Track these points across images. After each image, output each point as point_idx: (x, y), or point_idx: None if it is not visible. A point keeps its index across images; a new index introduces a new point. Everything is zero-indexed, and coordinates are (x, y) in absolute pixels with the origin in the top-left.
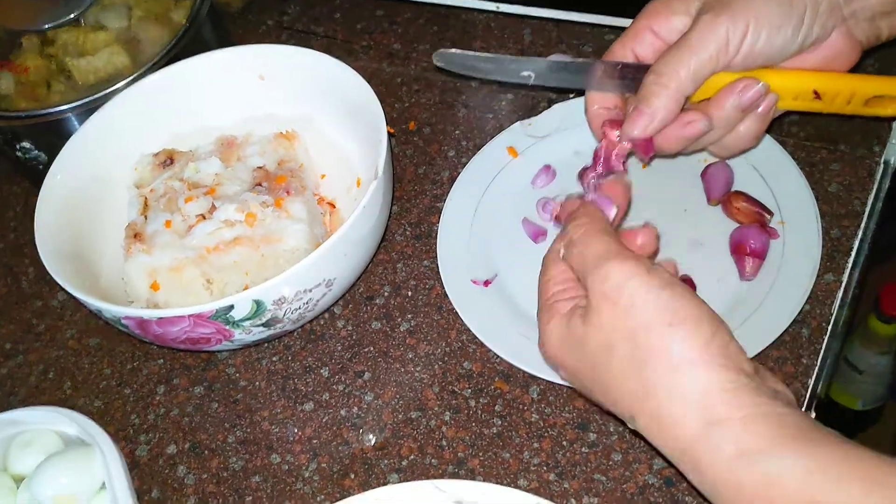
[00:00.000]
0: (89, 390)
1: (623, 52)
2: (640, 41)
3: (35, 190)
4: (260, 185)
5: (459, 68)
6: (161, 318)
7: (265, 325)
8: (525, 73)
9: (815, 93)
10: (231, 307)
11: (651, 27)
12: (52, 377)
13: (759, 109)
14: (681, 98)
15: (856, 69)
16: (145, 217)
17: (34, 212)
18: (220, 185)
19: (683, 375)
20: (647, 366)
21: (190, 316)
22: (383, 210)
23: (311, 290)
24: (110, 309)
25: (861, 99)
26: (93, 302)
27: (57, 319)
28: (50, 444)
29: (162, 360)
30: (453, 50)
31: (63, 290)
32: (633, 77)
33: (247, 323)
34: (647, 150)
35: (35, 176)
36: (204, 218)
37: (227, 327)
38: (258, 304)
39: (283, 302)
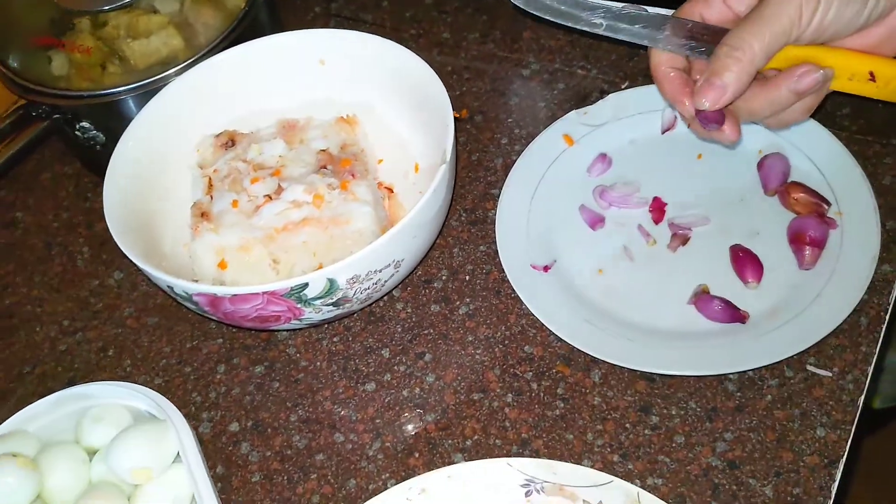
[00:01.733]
0: (149, 368)
1: (691, 13)
2: (709, 6)
3: (86, 172)
4: (325, 167)
5: (535, 7)
6: (235, 294)
7: (335, 304)
8: (597, 21)
9: (871, 75)
10: (306, 285)
11: None
12: (111, 354)
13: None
14: (753, 72)
15: None
16: (211, 197)
17: (86, 194)
18: (285, 167)
19: None
20: None
21: (264, 293)
22: (448, 193)
23: (381, 271)
24: (182, 285)
25: None
26: (164, 278)
27: (114, 298)
28: (121, 419)
29: (221, 340)
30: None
31: (120, 269)
32: (700, 38)
33: (318, 301)
34: (717, 121)
35: (91, 156)
36: (271, 199)
37: (299, 305)
38: (332, 282)
39: (355, 281)
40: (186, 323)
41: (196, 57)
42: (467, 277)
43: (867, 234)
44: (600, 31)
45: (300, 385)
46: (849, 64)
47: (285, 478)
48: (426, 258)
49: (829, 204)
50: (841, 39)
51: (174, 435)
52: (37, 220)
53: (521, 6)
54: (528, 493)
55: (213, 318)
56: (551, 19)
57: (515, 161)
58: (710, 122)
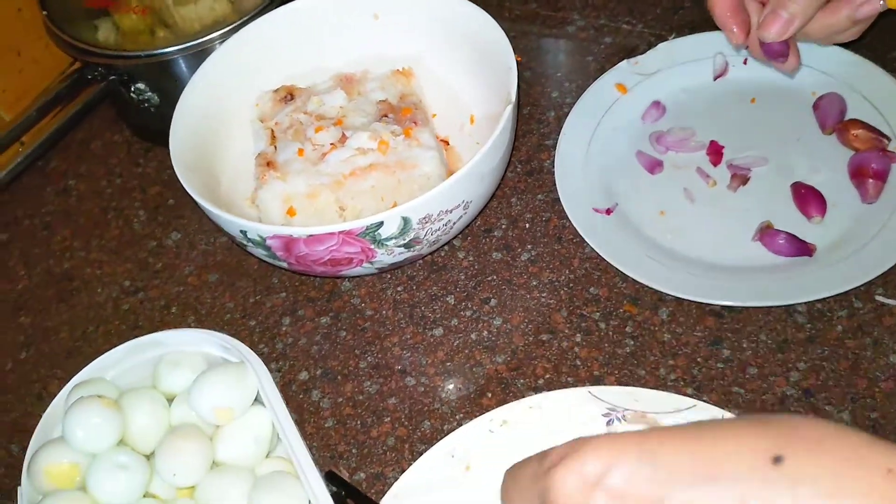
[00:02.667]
0: (214, 323)
1: None
2: None
3: (136, 139)
4: (386, 116)
5: None
6: (311, 235)
7: (406, 245)
8: None
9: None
10: (380, 224)
11: None
12: (175, 311)
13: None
14: (819, 3)
15: None
16: (275, 147)
17: (138, 160)
18: (346, 117)
19: None
20: None
21: (340, 233)
22: (512, 135)
23: (451, 211)
24: (257, 228)
25: None
26: (238, 222)
27: (173, 258)
28: (197, 364)
29: (284, 294)
30: None
31: (177, 230)
32: None
33: (391, 242)
34: (783, 54)
35: (145, 119)
36: (336, 147)
37: (373, 246)
38: (406, 221)
39: (427, 221)
40: (248, 278)
41: (247, 17)
42: (527, 225)
43: None
44: None
45: (367, 333)
46: None
47: (358, 422)
48: (485, 208)
49: (888, 139)
50: None
51: (253, 376)
52: (91, 186)
53: None
54: (609, 422)
55: (284, 264)
56: None
57: (568, 113)
58: (776, 55)
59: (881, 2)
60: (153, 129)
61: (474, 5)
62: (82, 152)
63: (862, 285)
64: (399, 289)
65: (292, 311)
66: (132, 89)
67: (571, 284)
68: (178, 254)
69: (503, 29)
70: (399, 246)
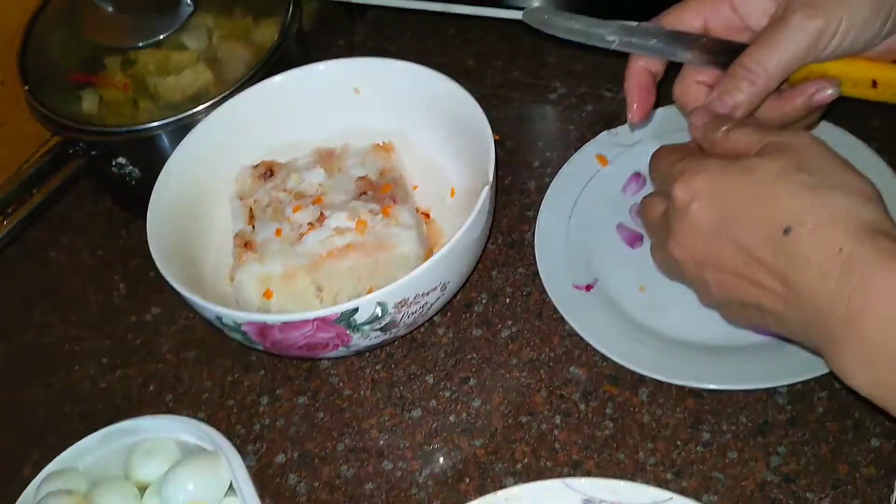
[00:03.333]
0: (191, 402)
1: (694, 18)
2: (715, 11)
3: (119, 210)
4: (365, 193)
5: (545, 27)
6: (286, 322)
7: (382, 329)
8: (610, 38)
9: (874, 82)
10: (356, 310)
11: (731, 0)
12: (152, 390)
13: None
14: (765, 94)
15: None
16: (253, 226)
17: (120, 231)
18: (325, 195)
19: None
20: (819, 190)
21: (314, 320)
22: (490, 214)
23: (428, 294)
24: (232, 315)
25: None
26: (213, 308)
27: (152, 334)
28: (171, 453)
29: (263, 372)
30: (539, 5)
31: (157, 305)
32: (716, 53)
33: (367, 327)
34: None
35: (126, 192)
36: (314, 226)
37: (348, 331)
38: (381, 306)
39: (403, 305)
40: (227, 356)
41: (229, 91)
42: (508, 300)
43: None
44: (613, 48)
45: (345, 414)
46: (853, 72)
47: None
48: (466, 283)
49: None
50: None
51: (226, 466)
52: (71, 259)
53: (534, 26)
54: None
55: (260, 348)
56: (564, 38)
57: (550, 183)
58: None
59: (830, 90)
60: (135, 200)
61: (454, 82)
62: (63, 223)
63: None
64: (378, 367)
65: (270, 391)
66: (113, 163)
67: (552, 363)
68: (158, 330)
69: (486, 95)
70: (375, 330)
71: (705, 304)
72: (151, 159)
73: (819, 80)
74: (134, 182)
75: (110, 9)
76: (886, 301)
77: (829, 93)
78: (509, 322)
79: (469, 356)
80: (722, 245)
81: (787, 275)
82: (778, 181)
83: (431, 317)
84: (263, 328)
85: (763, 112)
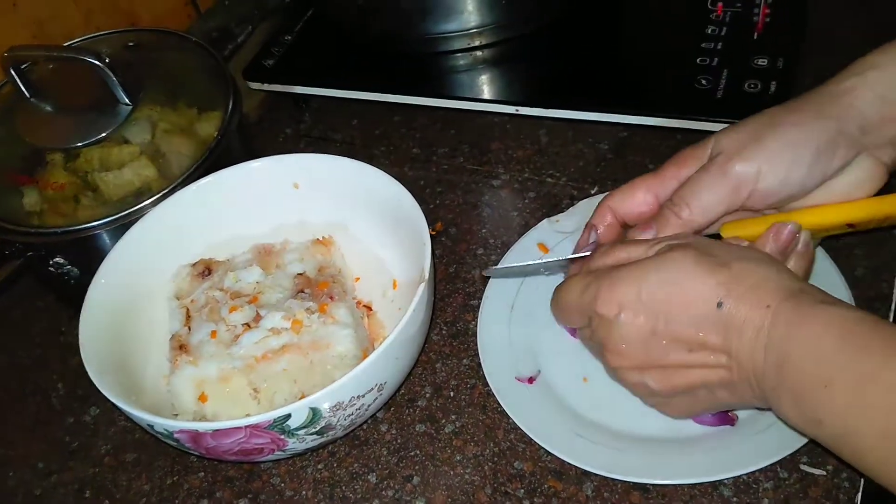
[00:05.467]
0: None
1: (645, 195)
2: (664, 187)
3: (61, 305)
4: (302, 291)
5: (505, 275)
6: (217, 430)
7: (318, 432)
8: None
9: (849, 225)
10: (288, 416)
11: (678, 176)
12: (88, 496)
13: (798, 248)
14: (689, 228)
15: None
16: (189, 328)
17: (60, 328)
18: (262, 294)
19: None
20: (732, 264)
21: (247, 427)
22: (428, 311)
23: (363, 396)
24: (163, 423)
25: None
26: (144, 416)
27: (91, 436)
28: None
29: (203, 473)
30: (497, 266)
31: (96, 405)
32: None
33: (302, 431)
34: None
35: (65, 290)
36: (249, 327)
37: (283, 437)
38: (314, 411)
39: (338, 408)
40: (166, 457)
41: (171, 186)
42: (452, 393)
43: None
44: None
45: None
46: (824, 220)
47: None
48: (409, 376)
49: None
50: (806, 197)
51: None
52: (9, 358)
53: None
54: None
55: (196, 453)
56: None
57: None
58: None
59: (790, 224)
60: (76, 297)
61: (391, 178)
62: (2, 321)
63: (786, 455)
64: (319, 466)
65: (210, 494)
66: (50, 263)
67: (496, 458)
68: (96, 431)
69: (430, 182)
70: (311, 434)
71: (648, 405)
72: (91, 258)
73: (778, 223)
74: (73, 281)
75: (49, 109)
76: (806, 347)
77: (788, 230)
78: (453, 416)
79: (412, 453)
80: (661, 342)
81: (730, 345)
82: (694, 266)
83: (373, 415)
84: (196, 436)
85: None
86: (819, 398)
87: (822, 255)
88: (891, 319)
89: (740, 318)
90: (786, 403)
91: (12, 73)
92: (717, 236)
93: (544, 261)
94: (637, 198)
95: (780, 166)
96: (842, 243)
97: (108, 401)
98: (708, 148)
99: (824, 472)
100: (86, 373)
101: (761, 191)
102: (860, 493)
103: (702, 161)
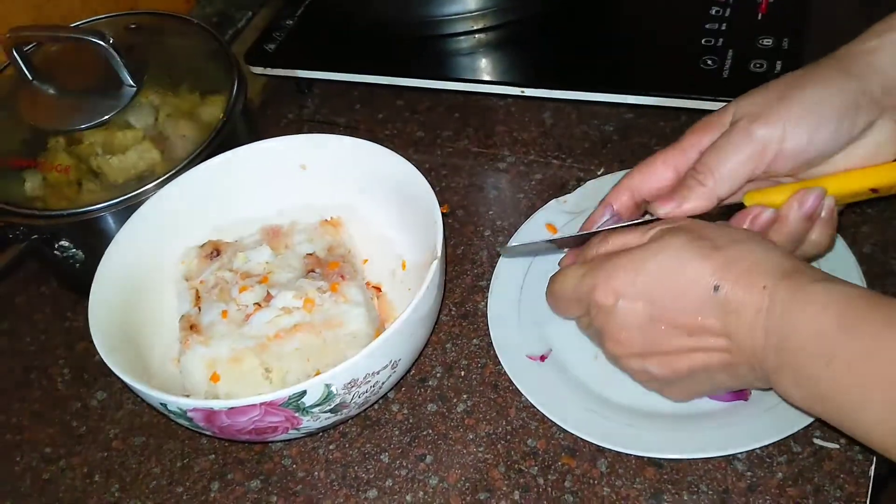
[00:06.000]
0: (139, 491)
1: (665, 169)
2: (684, 158)
3: (65, 291)
4: (313, 271)
5: (522, 254)
6: (232, 408)
7: (333, 410)
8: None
9: (872, 190)
10: (303, 393)
11: (699, 145)
12: (97, 480)
13: (823, 214)
14: (713, 196)
15: None
16: (199, 308)
17: (65, 313)
18: (272, 274)
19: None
20: (726, 248)
21: (262, 404)
22: (440, 289)
23: (378, 373)
24: (176, 401)
25: None
26: (157, 395)
27: (98, 420)
28: None
29: (213, 456)
30: (515, 244)
31: (103, 389)
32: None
33: (316, 409)
34: None
35: (70, 275)
36: (260, 306)
37: (297, 414)
38: (329, 388)
39: (352, 385)
40: (175, 440)
41: (175, 170)
42: (462, 373)
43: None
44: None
45: (299, 497)
46: (848, 184)
47: None
48: (420, 356)
49: None
50: (829, 161)
51: None
52: (13, 344)
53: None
54: None
55: (208, 433)
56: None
57: (501, 253)
58: None
59: (816, 190)
60: (81, 282)
61: (400, 157)
62: (5, 307)
63: (799, 429)
64: (331, 447)
65: (221, 475)
66: (55, 247)
67: (509, 437)
68: (104, 416)
69: (436, 166)
70: (325, 412)
71: (650, 389)
72: (96, 241)
73: (803, 189)
74: (78, 265)
75: (51, 91)
76: (806, 326)
77: (814, 195)
78: (465, 396)
79: (425, 432)
80: (660, 328)
81: (729, 327)
82: (688, 251)
83: (385, 394)
84: (210, 414)
85: (772, 237)
86: (821, 376)
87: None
88: None
89: (737, 301)
90: (788, 383)
91: (14, 54)
92: (739, 206)
93: (560, 237)
94: (657, 172)
95: (805, 127)
96: (849, 221)
97: (116, 385)
98: (729, 114)
99: (837, 446)
100: (92, 357)
101: (786, 152)
102: (873, 466)
103: (723, 128)
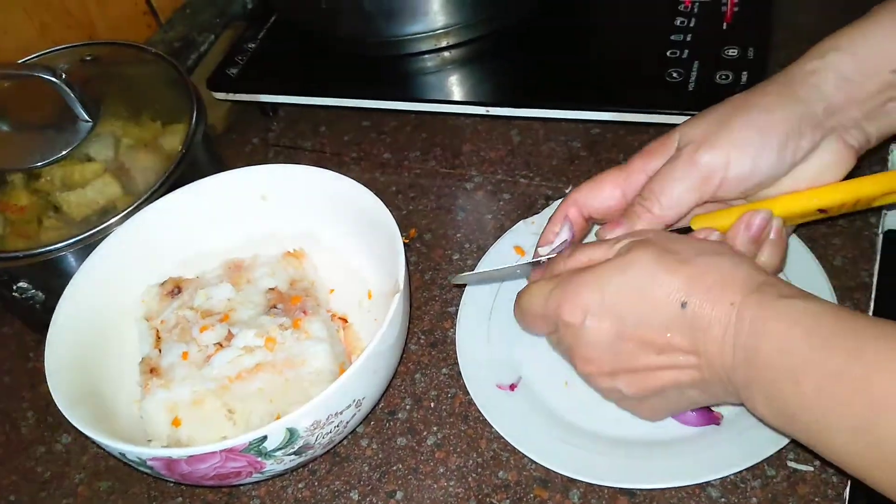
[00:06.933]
0: None
1: (612, 190)
2: (631, 181)
3: (28, 330)
4: (275, 307)
5: (474, 282)
6: (191, 455)
7: (297, 452)
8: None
9: (820, 210)
10: (264, 438)
11: (645, 169)
12: None
13: (771, 236)
14: (660, 223)
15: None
16: (159, 350)
17: (28, 353)
18: (234, 311)
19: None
20: (692, 261)
21: (222, 451)
22: (405, 322)
23: (342, 413)
24: (134, 451)
25: (866, 201)
26: (115, 445)
27: (63, 465)
28: None
29: (180, 499)
30: (465, 273)
31: (67, 432)
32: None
33: (279, 452)
34: None
35: (31, 315)
36: (221, 346)
37: (260, 459)
38: (292, 432)
39: (316, 427)
40: (142, 484)
41: (136, 203)
42: (432, 404)
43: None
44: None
45: None
46: (795, 207)
47: None
48: (388, 388)
49: None
50: (776, 184)
51: None
52: None
53: (462, 284)
54: None
55: (171, 480)
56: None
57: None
58: None
59: (762, 212)
60: (43, 322)
61: (363, 188)
62: None
63: (773, 453)
64: (300, 486)
65: None
66: (13, 289)
67: (480, 469)
68: (68, 460)
69: (403, 187)
70: (289, 455)
71: (622, 408)
72: (55, 281)
73: (750, 211)
74: (38, 305)
75: (6, 128)
76: (773, 343)
77: (760, 217)
78: (435, 428)
79: (395, 467)
80: (628, 346)
81: (697, 344)
82: (654, 266)
83: (352, 431)
84: (170, 463)
85: None
86: (789, 394)
87: (800, 247)
88: (871, 308)
89: (705, 318)
90: (758, 400)
91: None
92: (688, 230)
93: (512, 265)
94: (604, 192)
95: (749, 152)
96: (819, 233)
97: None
98: (675, 139)
99: (812, 468)
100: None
101: (731, 179)
102: (848, 489)
103: (669, 153)
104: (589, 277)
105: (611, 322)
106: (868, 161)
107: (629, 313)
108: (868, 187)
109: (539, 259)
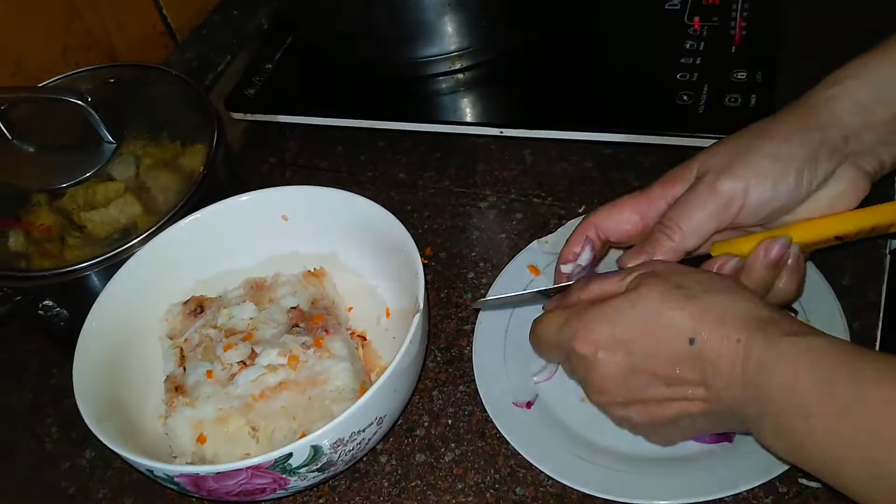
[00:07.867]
0: None
1: (630, 214)
2: (650, 207)
3: (52, 347)
4: (297, 325)
5: (494, 307)
6: (219, 472)
7: (320, 469)
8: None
9: (837, 237)
10: (290, 455)
11: (665, 196)
12: None
13: (790, 262)
14: (681, 250)
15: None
16: (184, 368)
17: (51, 370)
18: (257, 330)
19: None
20: (700, 297)
21: (248, 468)
22: (423, 340)
23: (364, 430)
24: (162, 468)
25: (883, 227)
26: (144, 462)
27: (87, 480)
28: None
29: None
30: (487, 298)
31: (91, 447)
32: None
33: (303, 469)
34: None
35: (57, 332)
36: (245, 365)
37: (284, 476)
38: (316, 449)
39: (339, 444)
40: (165, 499)
41: (158, 224)
42: (450, 421)
43: (836, 336)
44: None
45: None
46: (813, 234)
47: None
48: (407, 406)
49: (795, 311)
50: (794, 210)
51: None
52: (0, 403)
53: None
54: None
55: (196, 496)
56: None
57: (484, 295)
58: None
59: (781, 239)
60: (67, 339)
61: (381, 208)
62: None
63: (785, 470)
64: (321, 501)
65: None
66: (39, 306)
67: (497, 485)
68: (92, 475)
69: (418, 207)
70: (312, 472)
71: (635, 434)
72: (79, 299)
73: (768, 239)
74: (63, 322)
75: (31, 150)
76: (780, 382)
77: (779, 244)
78: (452, 444)
79: (413, 483)
80: (640, 380)
81: (706, 378)
82: (663, 302)
83: (373, 448)
84: (197, 479)
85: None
86: (800, 430)
87: (808, 266)
88: (879, 328)
89: (713, 353)
90: (768, 433)
91: None
92: (707, 256)
93: (531, 290)
94: (623, 216)
95: (768, 180)
96: (827, 253)
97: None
98: (694, 167)
99: (821, 485)
100: (79, 415)
101: (751, 206)
102: None
103: (689, 181)
104: (600, 312)
105: (622, 356)
106: (881, 183)
107: (639, 347)
108: (886, 215)
109: (560, 285)
